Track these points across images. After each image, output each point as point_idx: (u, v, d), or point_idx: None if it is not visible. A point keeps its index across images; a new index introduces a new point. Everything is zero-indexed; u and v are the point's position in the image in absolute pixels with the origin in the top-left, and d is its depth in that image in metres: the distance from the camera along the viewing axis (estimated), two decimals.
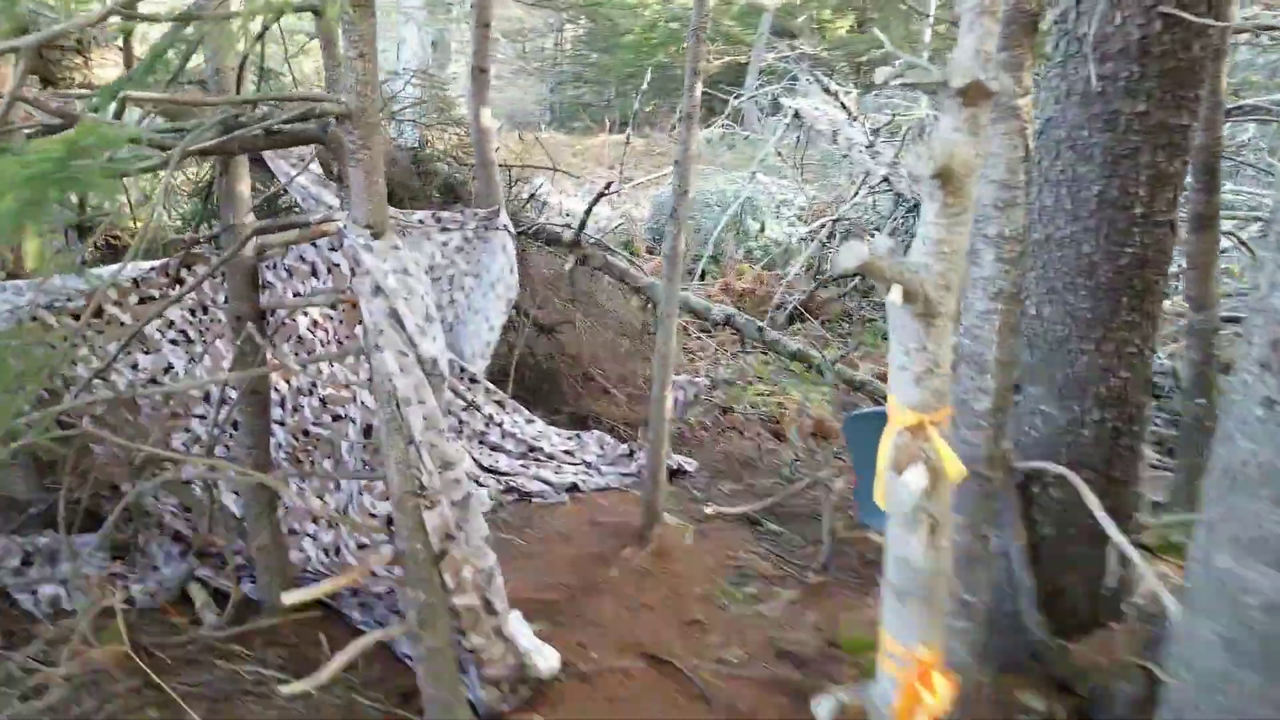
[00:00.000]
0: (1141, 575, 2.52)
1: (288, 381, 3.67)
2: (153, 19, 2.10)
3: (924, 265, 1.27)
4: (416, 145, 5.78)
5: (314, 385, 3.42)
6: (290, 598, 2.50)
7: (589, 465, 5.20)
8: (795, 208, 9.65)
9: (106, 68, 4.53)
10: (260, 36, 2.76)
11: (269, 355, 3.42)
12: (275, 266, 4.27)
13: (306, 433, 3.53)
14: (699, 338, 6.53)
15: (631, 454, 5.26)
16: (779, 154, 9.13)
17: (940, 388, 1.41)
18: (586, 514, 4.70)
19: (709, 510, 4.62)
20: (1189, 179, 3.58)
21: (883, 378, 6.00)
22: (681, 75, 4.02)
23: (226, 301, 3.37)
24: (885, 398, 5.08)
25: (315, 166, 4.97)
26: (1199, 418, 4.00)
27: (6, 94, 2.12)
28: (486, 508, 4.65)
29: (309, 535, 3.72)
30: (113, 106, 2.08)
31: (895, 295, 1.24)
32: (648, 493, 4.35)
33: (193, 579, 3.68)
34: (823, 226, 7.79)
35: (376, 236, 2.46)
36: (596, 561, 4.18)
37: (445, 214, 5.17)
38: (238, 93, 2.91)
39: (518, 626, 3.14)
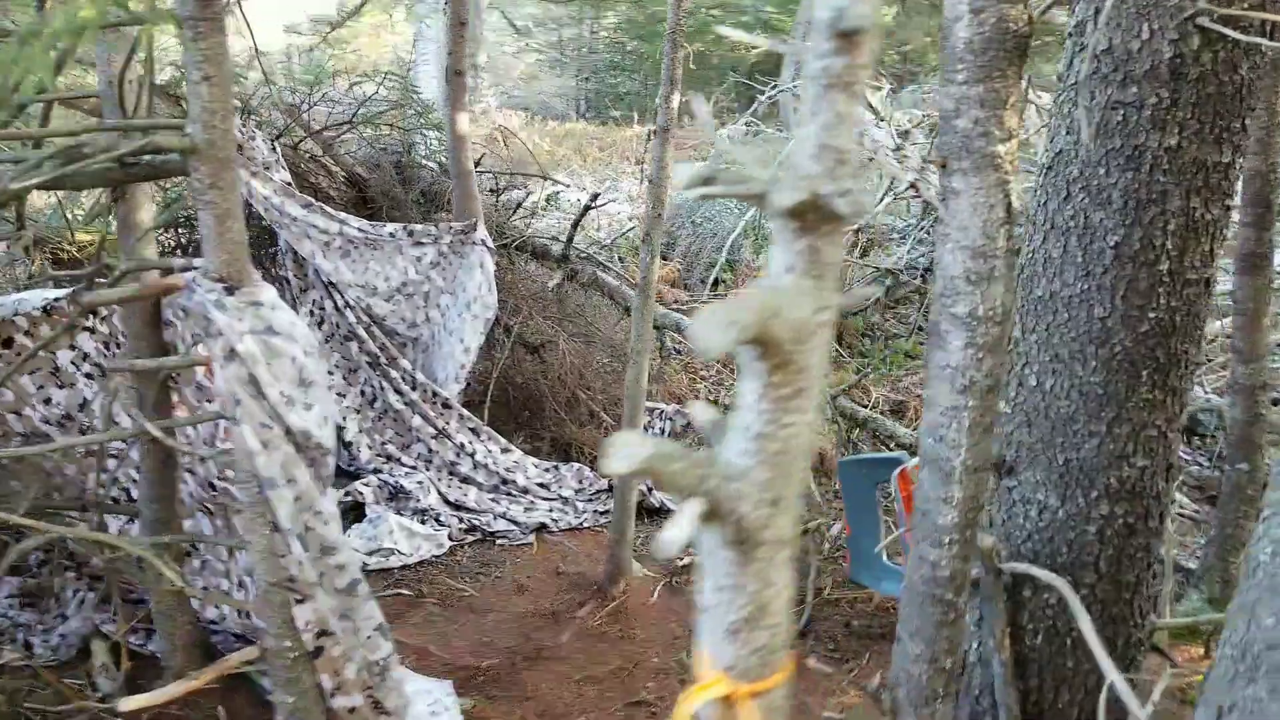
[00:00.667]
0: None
1: (195, 428, 3.32)
2: None
3: (739, 470, 0.84)
4: (400, 151, 5.39)
5: (214, 435, 3.07)
6: (128, 704, 2.14)
7: (565, 501, 4.80)
8: None
9: None
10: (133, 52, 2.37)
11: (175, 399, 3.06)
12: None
13: (213, 485, 3.19)
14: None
15: (611, 489, 4.84)
16: None
17: (769, 645, 0.96)
18: (551, 560, 4.30)
19: (684, 562, 4.19)
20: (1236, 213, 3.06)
21: (895, 410, 5.51)
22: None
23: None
24: (890, 438, 4.60)
25: (284, 173, 4.62)
26: (1240, 485, 3.48)
27: None
28: (443, 550, 4.28)
29: (224, 592, 3.36)
30: None
31: (688, 514, 0.81)
32: (612, 543, 3.93)
33: (97, 633, 3.35)
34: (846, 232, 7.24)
35: (231, 291, 2.06)
36: (549, 621, 3.78)
37: (418, 227, 4.79)
38: (134, 112, 2.53)
39: None
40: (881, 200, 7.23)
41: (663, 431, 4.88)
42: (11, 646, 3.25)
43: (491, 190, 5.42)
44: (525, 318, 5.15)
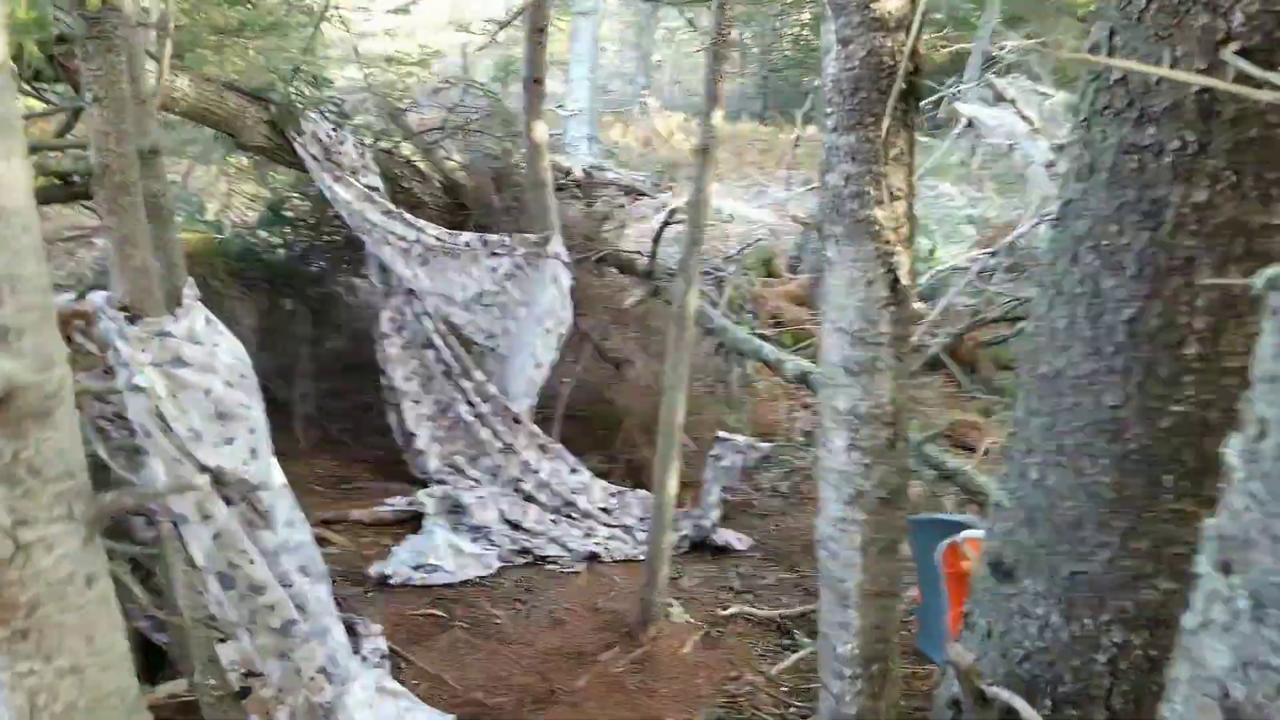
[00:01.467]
0: None
1: None
2: None
3: None
4: (498, 156, 5.37)
5: None
6: None
7: (627, 530, 4.61)
8: (987, 226, 8.43)
9: None
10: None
11: None
12: None
13: None
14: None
15: (674, 521, 4.60)
16: (961, 163, 7.96)
17: None
18: (594, 592, 4.12)
19: (728, 610, 3.90)
20: None
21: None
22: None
23: None
24: (979, 494, 4.11)
25: (373, 178, 4.68)
26: None
27: None
28: (489, 571, 4.20)
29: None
30: None
31: None
32: (646, 581, 3.71)
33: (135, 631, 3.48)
34: (981, 256, 6.62)
35: (133, 320, 2.01)
36: (572, 661, 3.61)
37: (493, 237, 4.73)
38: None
39: None
40: (1032, 224, 6.57)
41: (732, 466, 4.59)
42: None
43: (575, 198, 5.29)
44: (607, 333, 4.99)
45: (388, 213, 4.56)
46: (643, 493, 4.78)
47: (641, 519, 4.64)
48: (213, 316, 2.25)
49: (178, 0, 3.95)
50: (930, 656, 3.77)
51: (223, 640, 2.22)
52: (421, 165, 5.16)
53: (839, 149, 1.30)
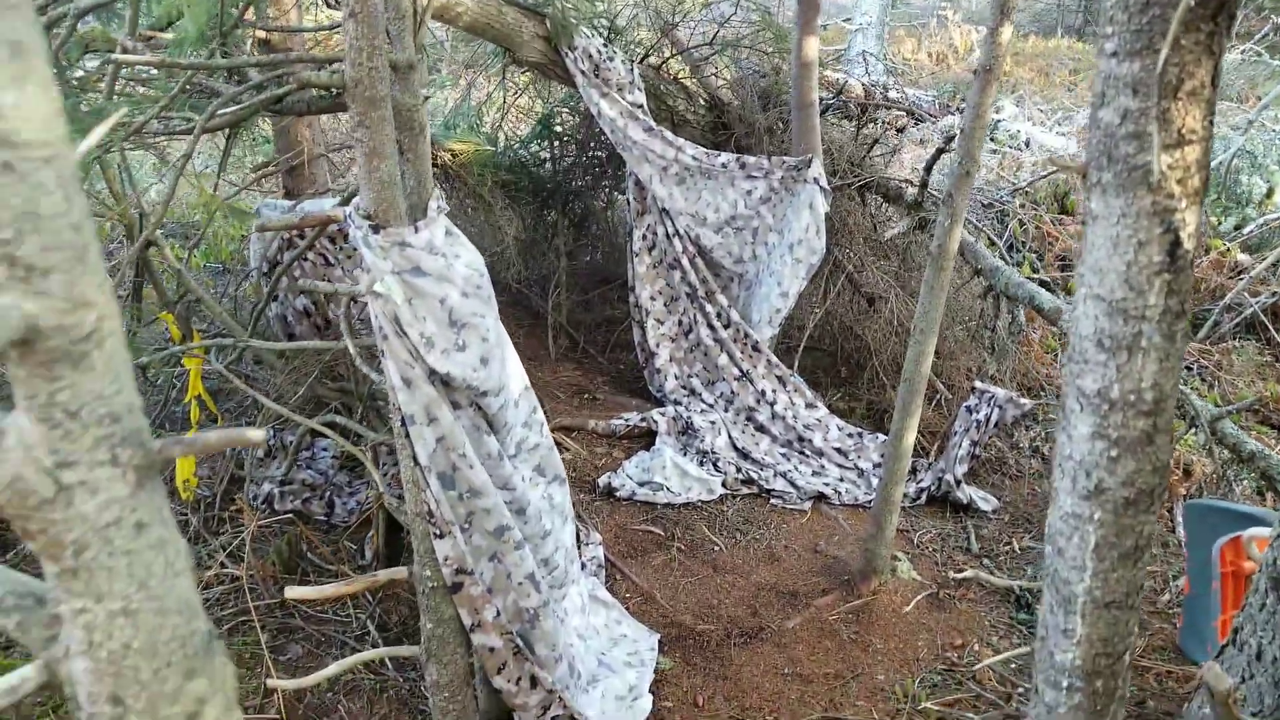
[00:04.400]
0: None
1: None
2: None
3: None
4: (765, 75, 5.16)
5: None
6: (292, 593, 2.37)
7: (861, 474, 4.42)
8: None
9: None
10: None
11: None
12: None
13: None
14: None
15: (914, 472, 4.36)
16: None
17: None
18: (817, 533, 4.00)
19: (962, 574, 3.65)
20: None
21: None
22: None
23: None
24: (1276, 481, 3.56)
25: (638, 95, 4.67)
26: None
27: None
28: (712, 496, 4.18)
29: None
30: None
31: None
32: (871, 533, 3.54)
33: (382, 507, 3.79)
34: None
35: (377, 229, 2.10)
36: (784, 600, 3.54)
37: (751, 159, 4.58)
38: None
39: (590, 694, 2.75)
40: None
41: (986, 419, 4.24)
42: (319, 503, 3.81)
43: (846, 118, 4.98)
44: (860, 266, 4.74)
45: (649, 130, 4.52)
46: (882, 437, 4.56)
47: (877, 465, 4.44)
48: (454, 228, 2.31)
49: None
50: (1191, 658, 3.35)
51: (440, 536, 2.34)
52: (688, 82, 5.07)
53: (1117, 79, 1.06)
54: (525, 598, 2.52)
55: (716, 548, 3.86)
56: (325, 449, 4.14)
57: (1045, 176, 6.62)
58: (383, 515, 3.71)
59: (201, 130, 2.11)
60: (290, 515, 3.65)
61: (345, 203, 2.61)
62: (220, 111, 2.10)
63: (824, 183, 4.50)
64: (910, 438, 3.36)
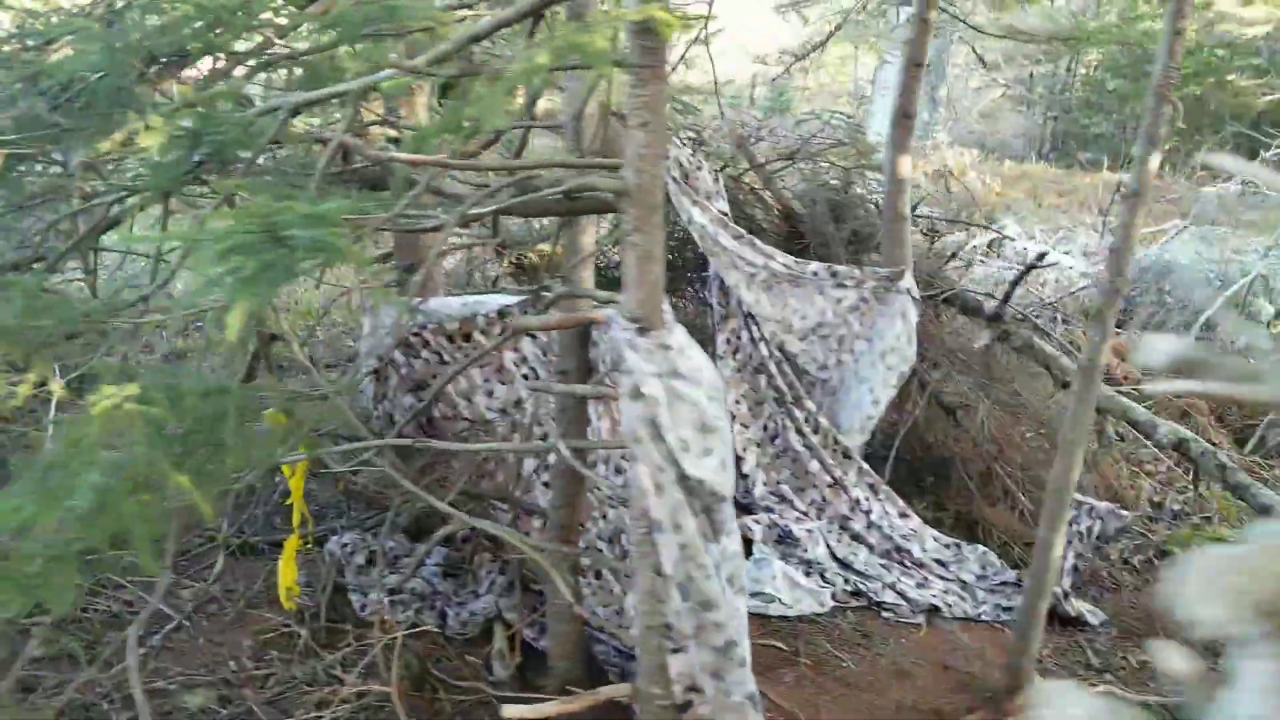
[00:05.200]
0: None
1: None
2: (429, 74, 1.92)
3: None
4: (837, 188, 5.31)
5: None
6: (510, 712, 2.24)
7: (965, 586, 4.37)
8: None
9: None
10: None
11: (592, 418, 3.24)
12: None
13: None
14: (1149, 447, 5.21)
15: (1019, 584, 4.32)
16: None
17: None
18: (940, 648, 3.91)
19: (1095, 689, 3.58)
20: None
21: None
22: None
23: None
24: None
25: (723, 204, 4.75)
26: None
27: (334, 138, 2.09)
28: (824, 609, 4.09)
29: (615, 611, 3.49)
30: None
31: None
32: (1015, 651, 3.47)
33: (500, 617, 3.63)
34: None
35: (644, 332, 2.07)
36: None
37: (842, 269, 4.66)
38: (591, 141, 2.70)
39: None
40: None
41: (1088, 531, 4.25)
42: (430, 614, 3.65)
43: (924, 233, 5.13)
44: (945, 376, 4.79)
45: (739, 237, 4.59)
46: (981, 548, 4.53)
47: (979, 576, 4.39)
48: (686, 332, 2.29)
49: None
50: None
51: (675, 651, 2.23)
52: (764, 193, 5.19)
53: None
54: (743, 717, 2.41)
55: (844, 663, 3.75)
56: (430, 556, 3.98)
57: (1082, 289, 6.84)
58: (501, 628, 3.57)
59: (455, 224, 2.08)
60: (412, 627, 3.47)
61: (546, 307, 2.58)
62: (473, 210, 2.08)
63: (915, 293, 4.58)
64: (1059, 549, 3.34)
